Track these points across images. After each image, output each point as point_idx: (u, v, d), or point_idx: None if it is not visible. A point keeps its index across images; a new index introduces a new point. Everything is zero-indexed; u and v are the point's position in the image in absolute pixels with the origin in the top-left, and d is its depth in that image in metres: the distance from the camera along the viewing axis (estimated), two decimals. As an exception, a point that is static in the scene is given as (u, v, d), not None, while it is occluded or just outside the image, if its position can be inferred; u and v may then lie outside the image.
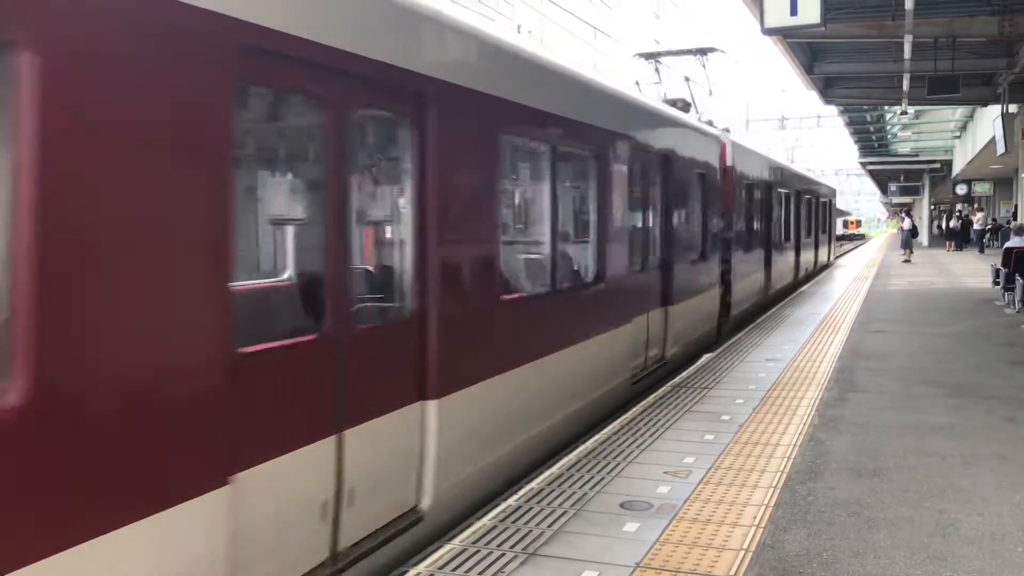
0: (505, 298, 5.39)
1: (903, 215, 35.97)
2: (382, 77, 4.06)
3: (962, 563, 3.88)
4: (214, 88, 3.09)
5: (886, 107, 26.65)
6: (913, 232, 31.80)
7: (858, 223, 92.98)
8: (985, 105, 20.72)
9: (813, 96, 20.71)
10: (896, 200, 54.11)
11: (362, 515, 3.99)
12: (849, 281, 20.85)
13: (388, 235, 4.57)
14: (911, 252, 29.32)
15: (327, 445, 3.73)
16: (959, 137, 32.58)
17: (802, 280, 20.68)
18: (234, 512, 3.15)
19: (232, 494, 3.13)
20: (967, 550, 4.02)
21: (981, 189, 39.22)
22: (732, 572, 3.80)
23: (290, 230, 4.71)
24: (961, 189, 39.74)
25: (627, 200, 7.64)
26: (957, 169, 34.93)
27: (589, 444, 5.99)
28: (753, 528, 4.33)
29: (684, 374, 8.72)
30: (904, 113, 23.90)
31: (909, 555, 3.97)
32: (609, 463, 5.52)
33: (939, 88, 14.98)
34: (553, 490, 4.99)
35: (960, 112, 27.96)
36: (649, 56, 13.79)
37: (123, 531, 2.70)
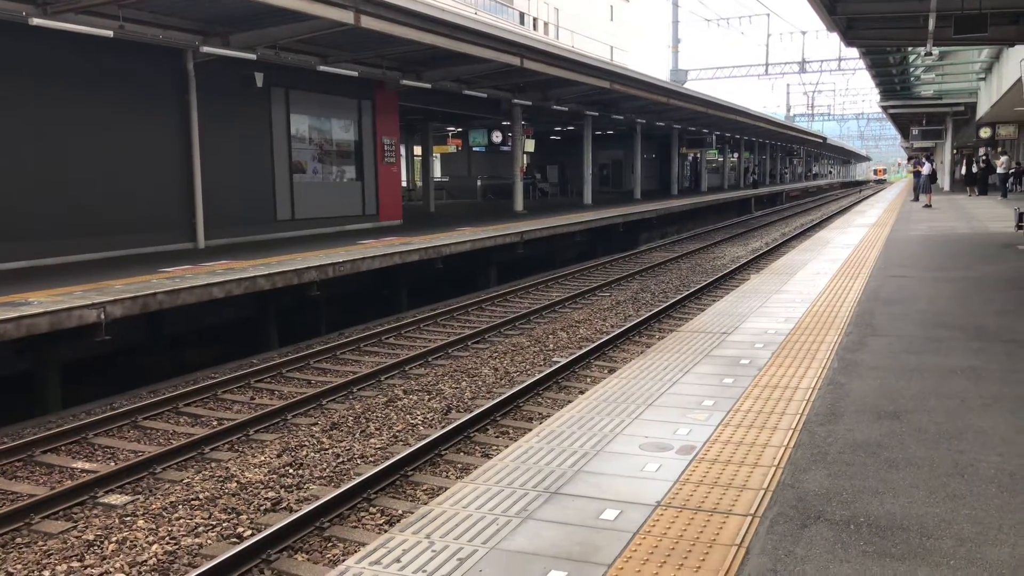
0: None
1: (923, 159, 35.27)
2: None
3: (980, 501, 3.92)
4: None
5: (909, 48, 25.99)
6: (932, 177, 31.37)
7: (884, 171, 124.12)
8: (1012, 45, 20.15)
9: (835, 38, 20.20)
10: (918, 144, 53.11)
11: None
12: (868, 227, 20.64)
13: None
14: (930, 196, 29.30)
15: None
16: (984, 79, 31.82)
17: None
18: None
19: None
20: (986, 489, 4.06)
21: (1005, 132, 38.42)
22: (753, 510, 3.85)
23: None
24: (985, 132, 38.98)
25: None
26: (981, 112, 34.17)
27: (609, 388, 6.05)
28: (773, 468, 4.38)
29: (703, 318, 8.73)
30: (929, 54, 23.29)
31: (928, 494, 4.01)
32: (628, 406, 5.57)
33: (966, 27, 14.52)
34: (573, 431, 5.06)
35: (986, 53, 27.24)
36: None
37: None
